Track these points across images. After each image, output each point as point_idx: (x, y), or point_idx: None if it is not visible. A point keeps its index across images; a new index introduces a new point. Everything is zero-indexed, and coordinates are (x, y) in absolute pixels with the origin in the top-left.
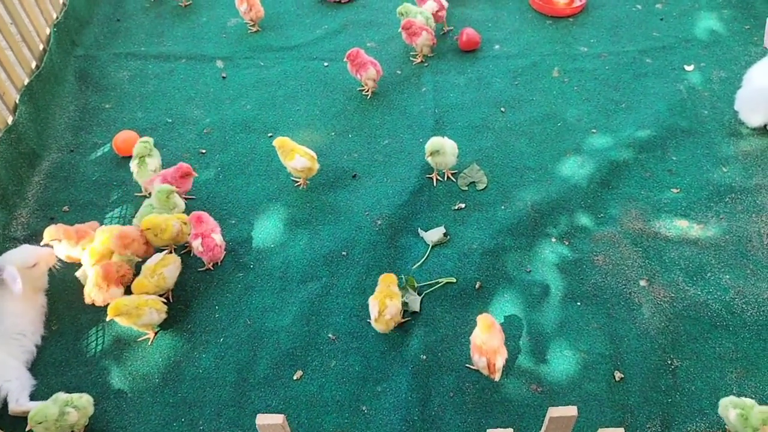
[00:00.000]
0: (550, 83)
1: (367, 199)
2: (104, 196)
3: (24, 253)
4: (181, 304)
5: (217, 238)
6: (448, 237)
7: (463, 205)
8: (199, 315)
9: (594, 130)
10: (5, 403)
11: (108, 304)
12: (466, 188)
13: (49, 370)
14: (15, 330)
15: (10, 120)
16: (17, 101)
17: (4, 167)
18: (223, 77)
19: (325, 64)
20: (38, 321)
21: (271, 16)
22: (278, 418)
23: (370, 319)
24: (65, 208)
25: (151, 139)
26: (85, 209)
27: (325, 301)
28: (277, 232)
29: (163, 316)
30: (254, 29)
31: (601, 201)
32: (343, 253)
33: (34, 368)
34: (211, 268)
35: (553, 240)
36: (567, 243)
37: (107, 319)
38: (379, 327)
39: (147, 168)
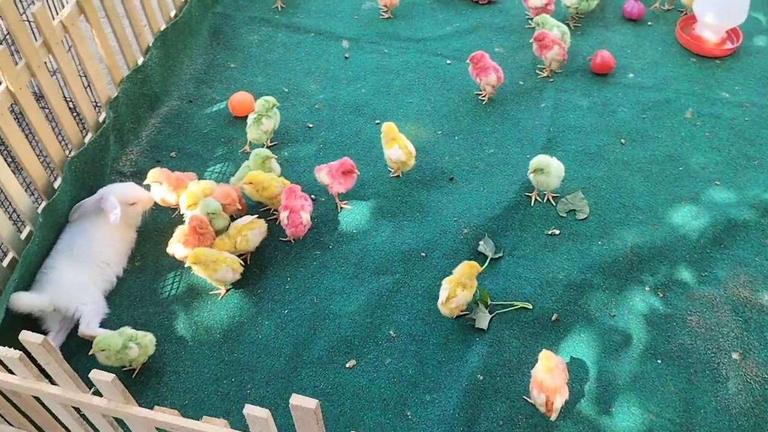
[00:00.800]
0: (680, 124)
1: (459, 204)
2: (210, 149)
3: (127, 189)
4: (257, 267)
5: (305, 216)
6: (500, 255)
7: (557, 232)
8: (270, 282)
9: (717, 183)
10: (77, 326)
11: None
12: (565, 215)
13: (123, 302)
14: (101, 258)
15: (140, 61)
16: (150, 44)
17: (126, 104)
18: (346, 57)
19: (448, 62)
20: (124, 254)
21: (405, 6)
22: (312, 403)
23: (437, 306)
24: (173, 153)
25: (273, 99)
26: (190, 158)
27: (394, 297)
28: (362, 218)
29: (237, 276)
30: (386, 15)
31: (708, 258)
32: (423, 254)
33: (110, 298)
34: (292, 241)
35: (647, 289)
36: (661, 295)
37: (186, 265)
38: (443, 311)
39: (261, 127)
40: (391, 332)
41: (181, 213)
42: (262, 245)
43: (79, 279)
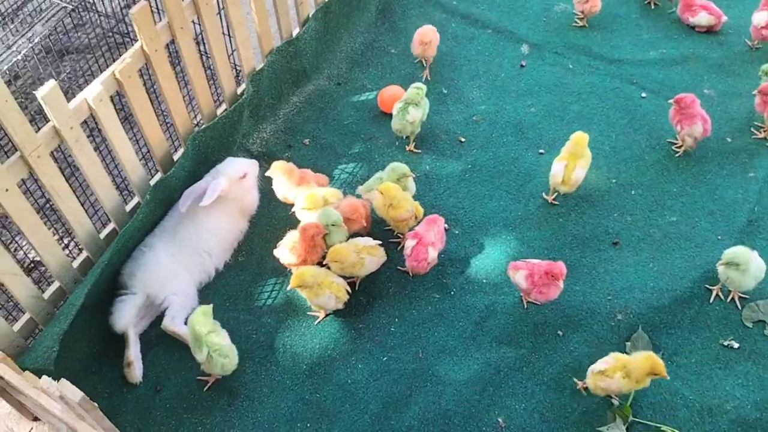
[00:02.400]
0: None
1: (618, 280)
2: (347, 144)
3: (234, 164)
4: (364, 296)
5: (432, 254)
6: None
7: (736, 345)
8: (374, 318)
9: None
10: (161, 317)
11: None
12: (751, 325)
13: (216, 300)
14: (204, 246)
15: (295, 32)
16: (311, 15)
17: (269, 78)
18: (522, 65)
19: (643, 94)
20: (229, 246)
21: (605, 16)
22: None
23: (561, 399)
24: (306, 140)
25: (424, 87)
26: (323, 150)
27: (513, 376)
28: (498, 267)
29: (340, 306)
30: (580, 23)
31: None
32: (559, 331)
33: (203, 292)
34: (410, 275)
35: None
36: None
37: (289, 288)
38: (588, 379)
39: (407, 116)
40: (499, 419)
41: (293, 212)
42: (376, 271)
43: (175, 266)
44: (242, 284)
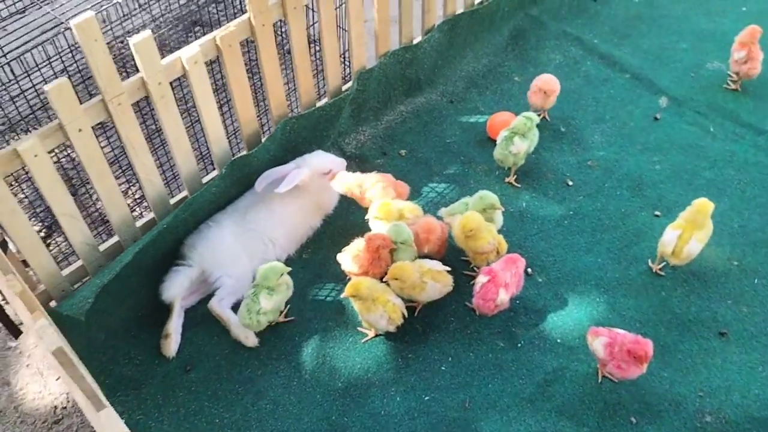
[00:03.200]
0: None
1: (716, 376)
2: (443, 163)
3: (321, 158)
4: (420, 324)
5: (503, 296)
6: None
7: None
8: (425, 352)
9: None
10: (210, 296)
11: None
12: None
13: None
14: (269, 234)
15: (417, 40)
16: (436, 25)
17: (378, 80)
18: (656, 118)
19: None
20: (296, 240)
21: (762, 83)
22: None
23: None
24: (402, 151)
25: (536, 118)
26: (417, 164)
27: None
28: (578, 329)
29: (391, 329)
30: (733, 86)
31: None
32: (632, 419)
33: None
34: (475, 312)
35: None
36: None
37: (343, 295)
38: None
39: (510, 147)
40: None
41: (365, 219)
42: (441, 301)
43: (237, 248)
44: (299, 282)
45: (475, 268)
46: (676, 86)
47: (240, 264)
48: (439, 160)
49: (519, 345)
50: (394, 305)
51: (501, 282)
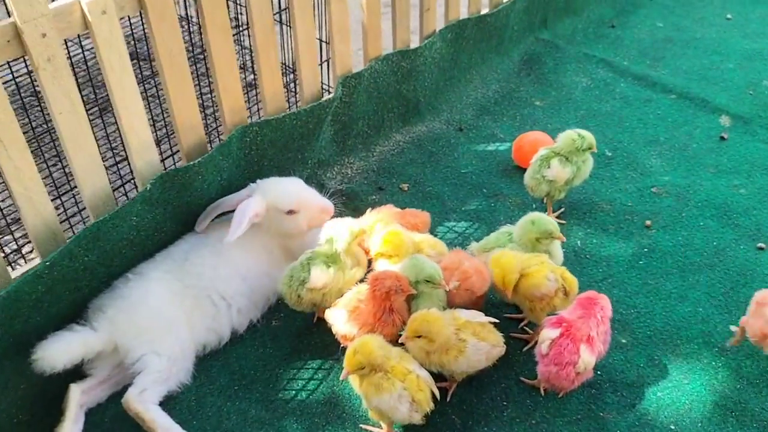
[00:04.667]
0: None
1: None
2: (461, 197)
3: (286, 187)
4: (457, 413)
5: (587, 357)
6: None
7: None
8: None
9: None
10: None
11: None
12: None
13: (221, 378)
14: (221, 291)
15: (414, 44)
16: (437, 31)
17: (368, 92)
18: (723, 138)
19: None
20: (260, 300)
21: None
22: None
23: None
24: (405, 185)
25: (591, 138)
26: (426, 199)
27: None
28: (696, 407)
29: (416, 419)
30: None
31: None
32: None
33: (203, 363)
34: (541, 390)
35: None
36: None
37: (342, 376)
38: None
39: (545, 171)
40: None
41: (370, 258)
42: (484, 376)
43: (171, 311)
44: (267, 361)
45: (526, 329)
46: (736, 104)
47: (174, 336)
48: (455, 195)
49: (612, 425)
50: (420, 380)
51: (581, 335)
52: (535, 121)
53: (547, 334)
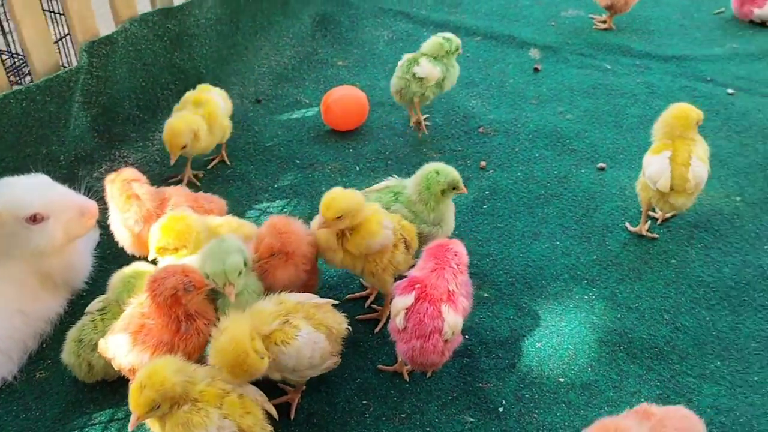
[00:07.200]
0: None
1: None
2: (270, 174)
3: (24, 188)
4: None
5: (452, 319)
6: None
7: None
8: None
9: None
10: None
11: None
12: None
13: None
14: None
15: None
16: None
17: (129, 60)
18: (536, 69)
19: (729, 91)
20: (15, 345)
21: (633, 19)
22: None
23: None
24: (199, 173)
25: (457, 41)
26: (228, 183)
27: None
28: (583, 349)
29: None
30: (604, 26)
31: None
32: None
33: None
34: (405, 375)
35: None
36: None
37: (130, 428)
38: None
39: (414, 69)
40: None
41: (150, 260)
42: (334, 373)
43: None
44: (32, 429)
45: (374, 306)
46: (542, 36)
47: None
48: (262, 172)
49: (501, 409)
50: (243, 399)
51: (439, 294)
52: (341, 82)
53: (400, 302)
